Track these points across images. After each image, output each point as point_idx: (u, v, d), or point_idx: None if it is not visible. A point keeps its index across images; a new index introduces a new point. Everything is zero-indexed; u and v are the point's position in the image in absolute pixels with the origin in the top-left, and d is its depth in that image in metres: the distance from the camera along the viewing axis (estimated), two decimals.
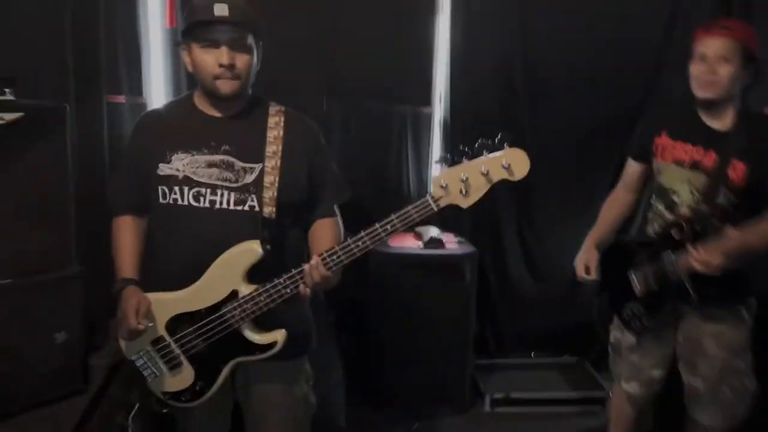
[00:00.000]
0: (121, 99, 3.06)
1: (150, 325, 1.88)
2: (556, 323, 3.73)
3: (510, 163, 1.64)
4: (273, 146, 1.88)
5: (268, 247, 1.81)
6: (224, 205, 1.86)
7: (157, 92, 3.16)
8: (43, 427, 2.52)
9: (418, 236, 3.29)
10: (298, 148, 1.92)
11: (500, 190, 3.44)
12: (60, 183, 2.48)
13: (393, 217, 1.72)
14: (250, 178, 1.86)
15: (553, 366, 3.68)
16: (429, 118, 3.51)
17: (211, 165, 1.86)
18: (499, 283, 3.66)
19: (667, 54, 3.44)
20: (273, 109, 1.95)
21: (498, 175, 1.66)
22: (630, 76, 3.48)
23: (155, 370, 1.95)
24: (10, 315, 2.37)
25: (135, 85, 3.11)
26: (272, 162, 1.86)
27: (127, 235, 2.01)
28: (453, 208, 3.54)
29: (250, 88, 1.92)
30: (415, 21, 3.43)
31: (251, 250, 1.81)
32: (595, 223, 2.70)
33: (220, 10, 1.78)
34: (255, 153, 1.87)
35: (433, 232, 3.28)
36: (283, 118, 1.92)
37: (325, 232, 1.97)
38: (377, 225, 1.73)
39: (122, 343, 1.99)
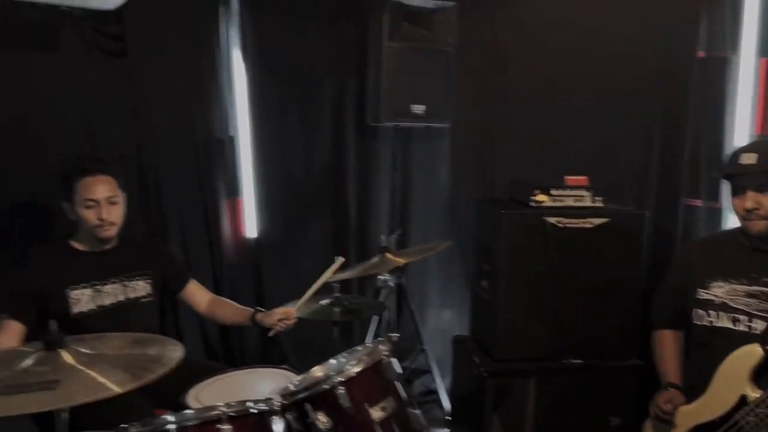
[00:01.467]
0: (698, 203, 3.17)
1: (673, 424, 1.97)
2: None
3: None
4: None
5: None
6: (758, 331, 1.87)
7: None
8: None
9: None
10: None
11: None
12: (632, 279, 2.72)
13: None
14: None
15: None
16: None
17: (749, 295, 1.90)
18: None
19: None
20: None
21: None
22: None
23: None
24: (573, 395, 2.71)
25: (713, 190, 3.18)
26: None
27: (667, 347, 2.18)
28: None
29: None
30: None
31: (752, 351, 1.78)
32: None
33: (747, 159, 1.87)
34: None
35: None
36: None
37: None
38: None
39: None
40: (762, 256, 1.94)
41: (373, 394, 1.73)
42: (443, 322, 3.54)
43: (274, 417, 1.67)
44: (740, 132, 3.15)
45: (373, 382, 1.75)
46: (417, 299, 3.38)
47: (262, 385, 1.98)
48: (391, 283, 3.14)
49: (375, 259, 2.66)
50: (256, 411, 1.66)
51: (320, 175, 3.21)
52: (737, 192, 1.91)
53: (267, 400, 1.70)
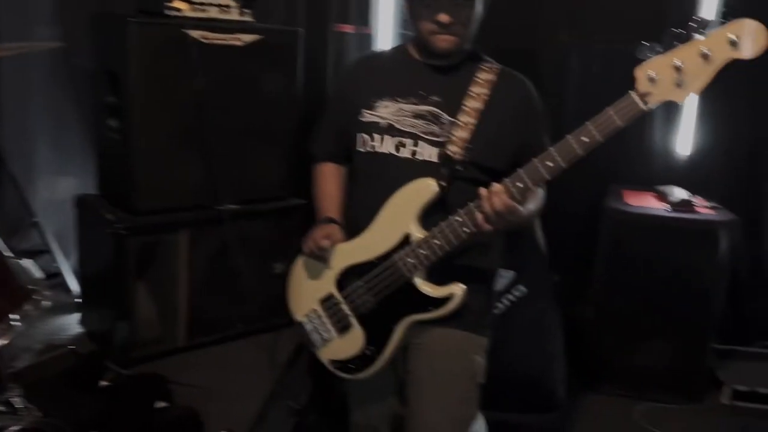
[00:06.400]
0: (349, 29, 2.97)
1: (329, 263, 1.75)
2: None
3: (739, 35, 1.30)
4: (475, 102, 1.67)
5: (444, 184, 1.60)
6: (426, 158, 1.67)
7: (385, 24, 3.00)
8: (258, 356, 2.55)
9: (662, 197, 2.87)
10: (504, 111, 1.69)
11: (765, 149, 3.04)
12: (288, 111, 2.44)
13: (588, 124, 1.40)
14: (453, 132, 1.66)
15: None
16: None
17: (417, 116, 1.69)
18: (752, 259, 3.14)
19: None
20: (487, 65, 1.73)
21: (723, 53, 1.32)
22: None
23: (324, 333, 1.78)
24: (235, 240, 2.38)
25: (363, 15, 2.99)
26: (468, 119, 1.65)
27: (329, 183, 1.91)
28: (705, 168, 3.09)
29: (469, 42, 1.71)
30: None
31: (425, 186, 1.61)
32: None
33: None
34: (460, 107, 1.67)
35: (681, 193, 2.84)
36: (494, 76, 1.70)
37: None
38: (569, 137, 1.42)
39: (291, 302, 1.86)
40: (432, 72, 1.74)
41: None
42: (61, 191, 2.87)
43: None
44: None
45: None
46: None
47: None
48: None
49: None
50: None
51: None
52: (429, 4, 1.63)
53: None
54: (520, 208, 1.52)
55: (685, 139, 3.09)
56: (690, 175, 3.10)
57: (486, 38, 1.79)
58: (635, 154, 3.13)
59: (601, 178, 3.09)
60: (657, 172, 3.13)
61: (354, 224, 1.79)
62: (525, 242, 2.65)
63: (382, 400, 1.89)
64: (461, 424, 1.77)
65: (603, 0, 3.02)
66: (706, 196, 2.93)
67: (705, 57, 1.34)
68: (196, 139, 2.25)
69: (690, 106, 3.05)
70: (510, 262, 2.63)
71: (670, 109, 3.07)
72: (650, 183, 3.05)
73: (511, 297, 2.65)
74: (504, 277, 2.64)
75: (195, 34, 2.13)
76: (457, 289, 1.60)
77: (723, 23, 1.34)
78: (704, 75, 1.36)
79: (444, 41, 1.65)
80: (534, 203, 1.66)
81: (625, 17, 2.96)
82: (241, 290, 2.50)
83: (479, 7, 1.66)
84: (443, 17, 1.61)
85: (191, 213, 2.33)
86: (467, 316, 1.67)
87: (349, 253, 1.73)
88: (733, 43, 1.32)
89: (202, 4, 2.19)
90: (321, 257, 1.76)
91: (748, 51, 1.32)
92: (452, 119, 1.68)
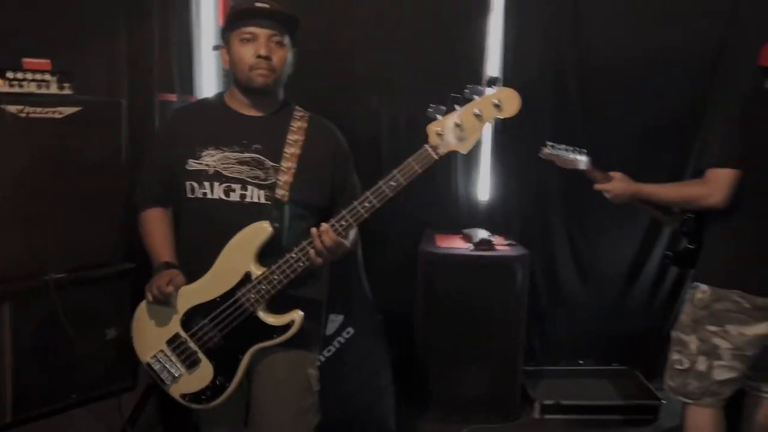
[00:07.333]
0: (173, 97, 3.08)
1: (173, 306, 1.86)
2: (605, 330, 3.66)
3: (500, 100, 1.69)
4: (293, 148, 1.91)
5: (277, 225, 1.81)
6: (254, 200, 1.87)
7: (208, 91, 3.15)
8: (94, 424, 2.52)
9: (467, 238, 3.24)
10: (319, 153, 1.95)
11: (550, 194, 3.52)
12: (114, 178, 2.49)
13: (395, 172, 1.73)
14: (278, 177, 1.88)
15: (602, 373, 3.59)
16: None
17: (242, 162, 1.88)
18: (548, 287, 3.59)
19: (720, 59, 3.37)
20: (298, 113, 1.99)
21: (490, 113, 1.70)
22: (684, 79, 3.39)
23: (173, 371, 1.90)
24: (64, 309, 2.37)
25: (186, 83, 3.12)
26: (289, 164, 1.88)
27: (158, 225, 2.01)
28: (504, 208, 3.50)
29: (282, 90, 1.97)
30: (466, 22, 3.39)
31: (261, 228, 1.80)
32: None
33: (261, 2, 1.86)
34: (280, 153, 1.90)
35: (483, 233, 3.22)
36: (306, 124, 1.96)
37: None
38: (380, 183, 1.73)
39: (137, 346, 1.96)
40: (252, 122, 1.93)
41: None
42: None
43: None
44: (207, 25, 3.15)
45: None
46: None
47: None
48: None
49: None
50: None
51: None
52: (247, 39, 1.85)
53: None
54: (345, 242, 1.78)
55: (484, 187, 3.52)
56: (492, 217, 3.52)
57: (305, 96, 2.05)
58: (445, 203, 3.50)
59: (417, 226, 3.42)
60: (464, 216, 3.51)
61: (186, 267, 1.91)
62: (352, 288, 2.88)
63: (233, 426, 2.03)
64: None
65: (404, 69, 3.40)
66: (506, 235, 3.34)
67: (477, 116, 1.70)
68: (19, 210, 2.25)
69: (485, 158, 3.50)
70: (339, 307, 2.85)
71: (470, 161, 3.49)
72: (459, 227, 3.41)
73: (341, 339, 2.86)
74: (333, 321, 2.85)
75: (12, 108, 2.17)
76: (296, 316, 1.81)
77: (490, 89, 1.71)
78: (478, 130, 1.72)
79: (262, 76, 1.86)
80: (353, 235, 1.91)
81: (422, 83, 3.34)
82: (72, 359, 2.47)
83: (291, 54, 1.91)
84: (263, 50, 1.84)
85: (14, 284, 2.31)
86: (301, 337, 1.86)
87: (192, 294, 1.86)
88: (497, 106, 1.69)
89: (18, 80, 2.23)
90: (165, 302, 1.86)
91: (508, 112, 1.71)
92: (275, 164, 1.88)
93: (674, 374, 2.41)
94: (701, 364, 2.32)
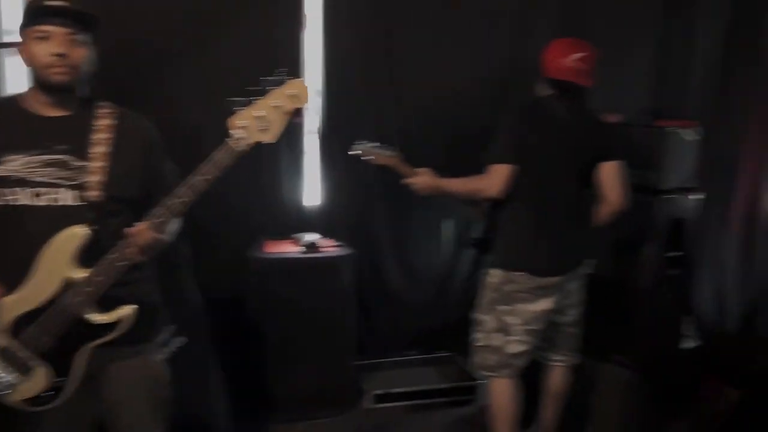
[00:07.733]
0: None
1: None
2: (429, 321, 3.94)
3: (293, 91, 1.79)
4: (101, 147, 1.90)
5: (96, 227, 1.83)
6: (65, 202, 1.86)
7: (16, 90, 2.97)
8: None
9: (297, 242, 3.38)
10: (131, 148, 1.96)
11: (377, 197, 3.72)
12: None
13: (205, 165, 1.79)
14: (88, 176, 1.87)
15: (428, 361, 3.87)
16: (300, 129, 3.59)
17: (47, 164, 1.85)
18: (375, 285, 3.81)
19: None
20: (103, 110, 1.97)
21: (288, 104, 1.79)
22: (485, 92, 3.75)
23: (9, 379, 1.87)
24: None
25: None
26: (98, 162, 1.88)
27: None
28: (332, 212, 3.64)
29: (85, 88, 1.94)
30: (281, 34, 3.47)
31: (74, 233, 1.81)
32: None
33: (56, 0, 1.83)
34: (87, 152, 1.89)
35: (313, 237, 3.38)
36: (114, 119, 1.95)
37: None
38: (193, 176, 1.79)
39: None
40: (52, 124, 1.88)
41: None
42: None
43: None
44: None
45: None
46: None
47: None
48: None
49: None
50: None
51: None
52: (42, 38, 1.81)
53: None
54: (163, 236, 1.82)
55: (315, 192, 3.67)
56: (322, 222, 3.67)
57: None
58: (276, 210, 3.57)
59: (249, 233, 3.48)
60: (295, 222, 3.63)
61: (4, 277, 1.85)
62: (183, 299, 2.91)
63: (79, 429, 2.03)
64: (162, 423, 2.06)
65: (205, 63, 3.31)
66: (336, 238, 3.51)
67: (277, 107, 1.78)
68: None
69: (313, 164, 3.64)
70: (170, 317, 2.86)
71: (300, 167, 3.62)
72: (290, 232, 3.53)
73: (173, 348, 2.87)
74: (165, 332, 2.86)
75: None
76: (127, 310, 1.84)
77: (284, 82, 1.78)
78: (280, 120, 1.80)
79: (59, 74, 1.82)
80: (173, 226, 1.94)
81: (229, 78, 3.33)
82: None
83: (91, 52, 1.89)
84: (58, 48, 1.80)
85: None
86: (140, 331, 1.92)
87: (15, 304, 1.83)
88: (293, 97, 1.79)
89: None
90: None
91: (303, 101, 1.80)
92: (83, 164, 1.86)
93: (476, 351, 2.72)
94: (497, 340, 2.65)
